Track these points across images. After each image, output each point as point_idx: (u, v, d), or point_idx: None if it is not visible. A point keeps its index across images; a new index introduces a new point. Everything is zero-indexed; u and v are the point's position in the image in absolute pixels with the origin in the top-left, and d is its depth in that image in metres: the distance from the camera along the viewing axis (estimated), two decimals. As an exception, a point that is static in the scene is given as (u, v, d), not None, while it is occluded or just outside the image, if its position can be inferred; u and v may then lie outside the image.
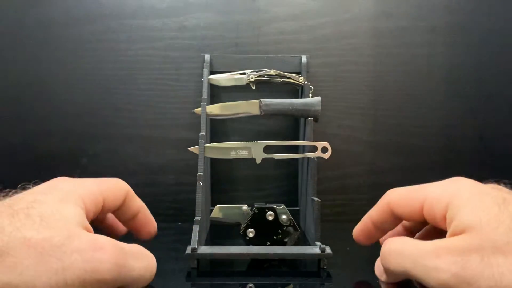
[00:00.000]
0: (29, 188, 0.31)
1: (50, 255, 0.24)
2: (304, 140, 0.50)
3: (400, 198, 0.33)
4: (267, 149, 0.47)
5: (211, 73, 0.55)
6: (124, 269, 0.27)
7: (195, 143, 0.47)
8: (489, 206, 0.27)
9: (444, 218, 0.29)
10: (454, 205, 0.29)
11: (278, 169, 0.58)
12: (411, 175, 0.58)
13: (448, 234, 0.29)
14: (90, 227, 0.29)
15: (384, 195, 0.35)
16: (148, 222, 0.38)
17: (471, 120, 0.59)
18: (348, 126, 0.59)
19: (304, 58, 0.56)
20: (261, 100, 0.50)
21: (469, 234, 0.26)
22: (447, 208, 0.29)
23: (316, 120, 0.50)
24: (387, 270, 0.32)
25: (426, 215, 0.31)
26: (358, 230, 0.38)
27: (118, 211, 0.36)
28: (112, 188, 0.34)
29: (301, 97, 0.54)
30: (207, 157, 0.48)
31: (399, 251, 0.29)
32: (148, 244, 0.49)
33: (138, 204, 0.37)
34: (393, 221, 0.35)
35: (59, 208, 0.27)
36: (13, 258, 0.23)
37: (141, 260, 0.29)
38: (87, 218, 0.30)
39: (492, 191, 0.29)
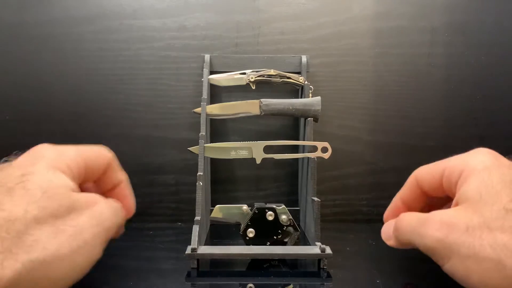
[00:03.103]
0: (11, 161, 0.30)
1: (61, 223, 0.26)
2: (304, 140, 0.50)
3: (425, 172, 0.35)
4: (267, 149, 0.47)
5: (211, 73, 0.55)
6: (116, 211, 0.32)
7: (195, 143, 0.47)
8: (494, 183, 0.28)
9: (457, 185, 0.31)
10: (465, 174, 0.30)
11: (278, 169, 0.58)
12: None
13: (453, 203, 0.30)
14: (76, 187, 0.30)
15: (413, 172, 0.36)
16: (127, 197, 0.37)
17: (471, 120, 0.59)
18: (348, 126, 0.59)
19: (304, 58, 0.56)
20: (261, 100, 0.50)
21: (464, 206, 0.28)
22: (460, 176, 0.30)
23: (316, 120, 0.50)
24: (399, 241, 0.34)
25: (445, 184, 0.32)
26: (389, 211, 0.39)
27: (98, 180, 0.35)
28: (95, 156, 0.34)
29: (301, 97, 0.54)
30: (207, 157, 0.48)
31: (406, 224, 0.32)
32: (148, 244, 0.49)
33: (119, 177, 0.36)
34: (420, 197, 0.36)
35: (51, 177, 0.28)
36: (32, 237, 0.24)
37: (117, 201, 0.34)
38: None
39: (508, 169, 0.29)
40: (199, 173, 0.45)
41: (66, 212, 0.27)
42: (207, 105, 0.50)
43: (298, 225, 0.45)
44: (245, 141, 0.48)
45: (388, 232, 0.36)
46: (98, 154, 0.34)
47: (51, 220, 0.26)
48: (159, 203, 0.58)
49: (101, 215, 0.29)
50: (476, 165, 0.30)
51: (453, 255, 0.27)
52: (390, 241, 0.36)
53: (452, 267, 0.28)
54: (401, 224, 0.33)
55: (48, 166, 0.29)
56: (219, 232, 0.53)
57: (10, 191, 0.26)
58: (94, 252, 0.28)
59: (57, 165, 0.29)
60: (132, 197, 0.38)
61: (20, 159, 0.30)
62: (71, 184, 0.29)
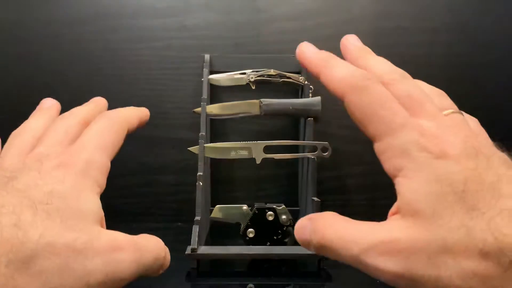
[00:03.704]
0: None
1: (73, 261, 0.24)
2: (304, 140, 0.50)
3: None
4: (267, 149, 0.47)
5: (211, 73, 0.55)
6: (140, 265, 0.27)
7: (195, 143, 0.47)
8: (451, 189, 0.22)
9: (395, 178, 0.25)
10: (404, 168, 0.24)
11: (278, 169, 0.58)
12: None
13: (395, 206, 0.25)
14: (102, 214, 0.28)
15: None
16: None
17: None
18: (348, 126, 0.59)
19: (304, 58, 0.55)
20: (261, 100, 0.50)
21: (412, 222, 0.23)
22: (399, 168, 0.25)
23: (316, 120, 0.50)
24: (321, 252, 0.26)
25: (385, 166, 0.26)
26: None
27: None
28: (119, 139, 0.33)
29: (301, 97, 0.54)
30: (207, 157, 0.48)
31: (333, 238, 0.25)
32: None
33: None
34: None
35: (76, 203, 0.26)
36: (38, 267, 0.23)
37: (152, 253, 0.29)
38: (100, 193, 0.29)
39: (455, 163, 0.23)
40: (199, 173, 0.45)
41: (81, 249, 0.24)
42: (207, 105, 0.50)
43: (298, 225, 0.45)
44: (245, 141, 0.48)
45: (303, 232, 0.28)
46: (121, 140, 0.33)
47: (65, 253, 0.24)
48: (159, 203, 0.58)
49: (119, 264, 0.26)
50: (419, 156, 0.23)
51: None
52: (308, 246, 0.27)
53: None
54: (324, 237, 0.25)
55: (77, 186, 0.26)
56: (219, 232, 0.53)
57: (33, 207, 0.24)
58: None
59: (86, 183, 0.27)
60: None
61: (55, 164, 0.27)
62: (97, 211, 0.27)
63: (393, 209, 0.25)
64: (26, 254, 0.22)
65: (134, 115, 0.36)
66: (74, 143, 0.30)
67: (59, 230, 0.24)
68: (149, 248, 0.29)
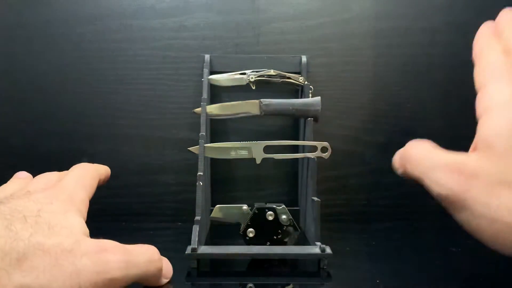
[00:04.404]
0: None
1: (63, 259, 0.25)
2: (304, 140, 0.50)
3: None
4: (267, 149, 0.47)
5: (211, 73, 0.55)
6: (130, 265, 0.28)
7: (195, 143, 0.47)
8: None
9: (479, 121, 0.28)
10: (487, 109, 0.28)
11: (278, 169, 0.58)
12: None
13: (473, 143, 0.28)
14: (88, 231, 0.30)
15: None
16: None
17: (471, 120, 0.58)
18: (348, 126, 0.59)
19: (304, 58, 0.56)
20: (261, 100, 0.50)
21: (483, 154, 0.26)
22: (482, 111, 0.28)
23: (316, 120, 0.50)
24: (404, 172, 0.32)
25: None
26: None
27: None
28: (94, 185, 0.36)
29: (301, 97, 0.54)
30: (207, 157, 0.48)
31: (416, 158, 0.30)
32: (148, 244, 0.49)
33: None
34: None
35: (63, 218, 0.29)
36: (30, 262, 0.24)
37: (143, 255, 0.30)
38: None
39: None
40: (199, 173, 0.45)
41: (69, 249, 0.26)
42: (207, 105, 0.50)
43: (298, 225, 0.45)
44: (245, 141, 0.48)
45: (398, 159, 0.33)
46: (95, 180, 0.37)
47: (53, 251, 0.25)
48: (159, 203, 0.58)
49: (107, 264, 0.27)
50: (500, 99, 0.26)
51: (466, 210, 0.25)
52: (399, 170, 0.32)
53: (463, 219, 0.26)
54: (410, 157, 0.30)
55: (63, 208, 0.29)
56: (219, 232, 0.53)
57: (24, 220, 0.26)
58: None
59: (71, 208, 0.30)
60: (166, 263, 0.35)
61: (37, 194, 0.30)
62: (82, 227, 0.29)
63: (471, 148, 0.28)
64: (18, 251, 0.24)
65: (101, 167, 0.40)
66: (56, 184, 0.33)
67: (47, 233, 0.26)
68: (138, 250, 0.30)
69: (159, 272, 0.32)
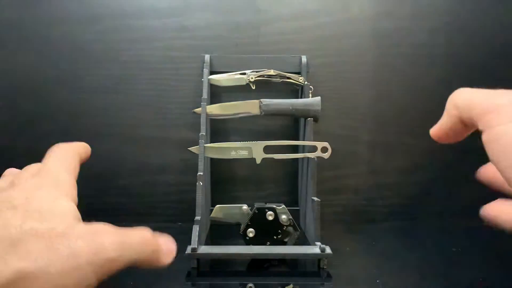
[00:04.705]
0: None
1: (58, 243, 0.26)
2: (304, 140, 0.50)
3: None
4: (267, 149, 0.47)
5: (211, 73, 0.55)
6: (125, 246, 0.29)
7: (195, 143, 0.47)
8: None
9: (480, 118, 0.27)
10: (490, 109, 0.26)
11: (278, 169, 0.58)
12: (411, 175, 0.58)
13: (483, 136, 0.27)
14: (79, 215, 0.30)
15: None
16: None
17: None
18: (348, 126, 0.59)
19: (304, 58, 0.56)
20: (261, 100, 0.50)
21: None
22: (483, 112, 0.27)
23: (316, 120, 0.50)
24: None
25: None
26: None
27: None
28: (77, 165, 0.36)
29: (301, 97, 0.54)
30: (207, 157, 0.48)
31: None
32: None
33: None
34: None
35: (53, 205, 0.29)
36: (24, 247, 0.24)
37: (137, 236, 0.31)
38: None
39: None
40: (199, 173, 0.45)
41: (63, 233, 0.26)
42: (207, 105, 0.50)
43: (298, 225, 0.45)
44: (245, 141, 0.48)
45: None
46: (78, 165, 0.36)
47: (47, 236, 0.25)
48: (159, 203, 0.58)
49: (102, 245, 0.27)
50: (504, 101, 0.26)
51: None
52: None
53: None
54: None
55: (53, 195, 0.29)
56: (219, 232, 0.53)
57: (13, 208, 0.27)
58: (86, 278, 0.27)
59: (61, 194, 0.30)
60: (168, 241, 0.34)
61: (26, 182, 0.30)
62: (74, 213, 0.29)
63: None
64: (11, 237, 0.24)
65: (79, 145, 0.39)
66: (39, 171, 0.33)
67: (39, 219, 0.26)
68: (133, 232, 0.30)
69: (154, 253, 0.32)
